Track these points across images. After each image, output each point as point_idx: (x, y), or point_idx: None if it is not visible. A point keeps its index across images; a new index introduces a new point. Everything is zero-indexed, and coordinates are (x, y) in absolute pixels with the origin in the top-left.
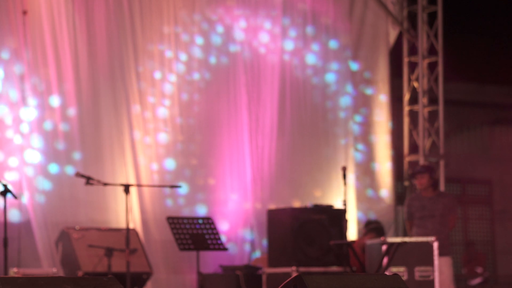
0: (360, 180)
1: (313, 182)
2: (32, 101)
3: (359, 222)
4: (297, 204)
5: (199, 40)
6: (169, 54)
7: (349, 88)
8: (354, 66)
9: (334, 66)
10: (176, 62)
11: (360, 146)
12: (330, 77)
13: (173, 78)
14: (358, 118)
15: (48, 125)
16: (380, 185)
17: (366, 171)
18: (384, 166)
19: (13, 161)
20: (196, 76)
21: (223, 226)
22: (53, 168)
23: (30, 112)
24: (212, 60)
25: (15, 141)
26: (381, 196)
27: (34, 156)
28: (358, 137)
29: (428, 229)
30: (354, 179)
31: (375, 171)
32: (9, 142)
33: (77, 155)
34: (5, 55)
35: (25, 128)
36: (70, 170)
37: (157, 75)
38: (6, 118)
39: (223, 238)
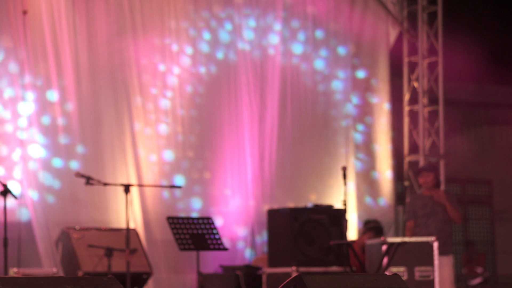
0: (362, 161)
1: (315, 179)
2: (30, 95)
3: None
4: (314, 198)
5: (205, 36)
6: (172, 50)
7: (343, 73)
8: (351, 58)
9: (331, 61)
10: (178, 59)
11: (360, 127)
12: (336, 84)
13: (175, 74)
14: (356, 103)
15: (46, 120)
16: (382, 167)
17: (367, 152)
18: (384, 148)
19: (15, 157)
20: (194, 84)
21: (223, 226)
22: (57, 163)
23: (28, 107)
24: (212, 61)
25: (14, 136)
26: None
27: (36, 151)
28: (357, 120)
29: (431, 227)
30: (353, 160)
31: (375, 152)
32: (9, 137)
33: (78, 151)
34: (3, 53)
35: (23, 122)
36: (72, 165)
37: (161, 68)
38: (4, 113)
39: (224, 238)
